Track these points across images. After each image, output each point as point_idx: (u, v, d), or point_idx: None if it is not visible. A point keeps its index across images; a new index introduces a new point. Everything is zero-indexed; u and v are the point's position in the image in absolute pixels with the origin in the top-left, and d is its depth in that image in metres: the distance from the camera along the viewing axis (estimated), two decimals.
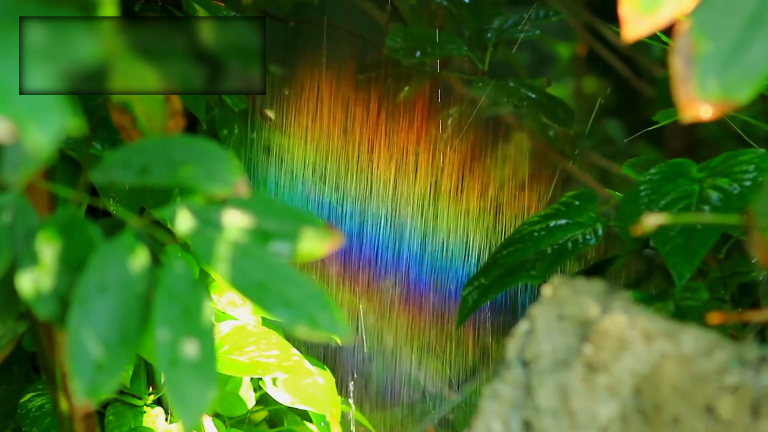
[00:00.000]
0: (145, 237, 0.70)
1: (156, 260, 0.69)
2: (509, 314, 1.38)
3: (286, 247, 0.69)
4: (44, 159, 0.64)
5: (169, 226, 0.71)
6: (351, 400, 1.41)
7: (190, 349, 0.66)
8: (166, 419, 1.22)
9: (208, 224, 0.69)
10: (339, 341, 1.37)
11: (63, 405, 0.80)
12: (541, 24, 1.48)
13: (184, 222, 0.68)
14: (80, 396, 0.65)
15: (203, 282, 0.71)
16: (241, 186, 0.70)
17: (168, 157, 0.71)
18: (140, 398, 1.23)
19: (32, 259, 0.68)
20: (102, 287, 0.67)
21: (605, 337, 0.73)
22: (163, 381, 1.24)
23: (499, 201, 1.38)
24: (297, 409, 1.28)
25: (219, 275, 0.67)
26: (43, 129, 0.59)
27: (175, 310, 0.67)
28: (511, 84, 1.45)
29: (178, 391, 0.66)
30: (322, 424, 1.29)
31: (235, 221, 0.69)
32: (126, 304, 0.67)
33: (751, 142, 1.14)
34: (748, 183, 1.00)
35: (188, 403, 0.66)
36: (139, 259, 0.69)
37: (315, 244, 0.69)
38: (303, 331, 0.67)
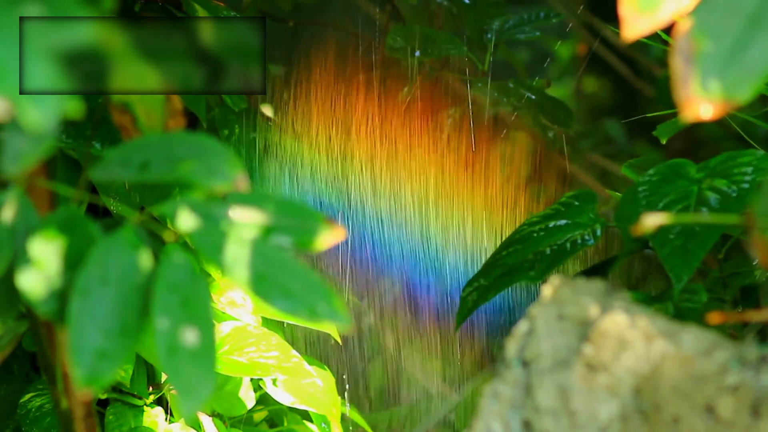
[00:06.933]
0: (144, 232, 0.70)
1: (155, 254, 0.69)
2: (509, 314, 1.38)
3: (287, 240, 0.69)
4: (44, 148, 0.64)
5: (168, 223, 0.71)
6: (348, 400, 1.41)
7: (190, 336, 0.66)
8: (166, 419, 1.22)
9: (209, 219, 0.69)
10: (339, 341, 1.37)
11: (63, 405, 0.80)
12: (541, 25, 1.48)
13: (184, 217, 0.69)
14: (80, 384, 0.65)
15: (203, 274, 0.71)
16: (240, 181, 0.70)
17: (167, 154, 0.71)
18: (140, 398, 1.23)
19: (33, 257, 0.68)
20: (103, 280, 0.67)
21: (605, 337, 0.73)
22: (163, 380, 1.24)
23: (499, 201, 1.39)
24: (297, 409, 1.28)
25: (220, 268, 0.68)
26: (41, 107, 0.59)
27: (174, 299, 0.67)
28: (511, 85, 1.46)
29: (179, 378, 0.66)
30: (323, 424, 1.30)
31: (236, 215, 0.69)
32: (126, 296, 0.68)
33: (752, 142, 1.14)
34: (746, 185, 1.00)
35: (189, 390, 0.66)
36: (139, 251, 0.69)
37: (316, 237, 0.69)
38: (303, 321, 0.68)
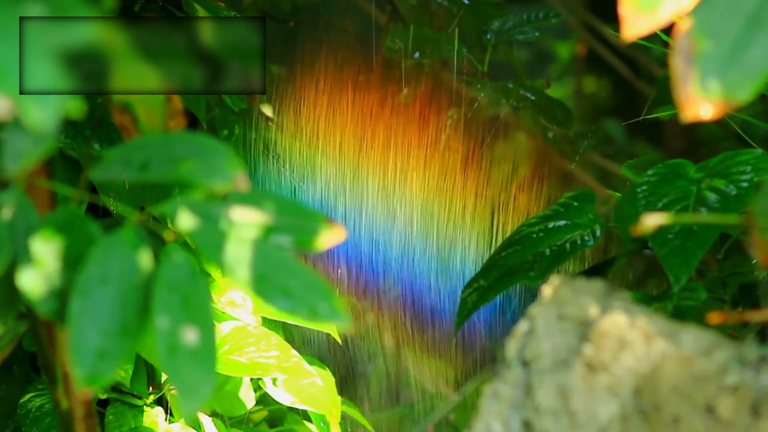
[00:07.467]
0: (144, 231, 0.70)
1: (155, 254, 0.69)
2: (508, 315, 1.38)
3: (287, 240, 0.69)
4: (45, 147, 0.64)
5: (168, 223, 0.71)
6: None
7: (190, 336, 0.66)
8: (166, 419, 1.22)
9: (209, 219, 0.69)
10: (339, 340, 1.37)
11: (63, 405, 0.80)
12: (540, 25, 1.48)
13: (184, 217, 0.69)
14: (80, 384, 0.65)
15: (203, 273, 0.71)
16: (241, 181, 0.70)
17: (168, 154, 0.71)
18: (140, 398, 1.23)
19: (33, 257, 0.68)
20: (103, 280, 0.67)
21: (605, 337, 0.73)
22: (163, 380, 1.24)
23: (498, 202, 1.39)
24: (297, 409, 1.28)
25: (220, 268, 0.68)
26: (43, 106, 0.59)
27: (174, 299, 0.67)
28: (511, 85, 1.46)
29: (179, 378, 0.66)
30: (322, 424, 1.30)
31: (236, 215, 0.69)
32: (126, 296, 0.68)
33: (752, 142, 1.14)
34: (745, 184, 1.00)
35: (189, 390, 0.66)
36: (139, 251, 0.69)
37: (316, 237, 0.69)
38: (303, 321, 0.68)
